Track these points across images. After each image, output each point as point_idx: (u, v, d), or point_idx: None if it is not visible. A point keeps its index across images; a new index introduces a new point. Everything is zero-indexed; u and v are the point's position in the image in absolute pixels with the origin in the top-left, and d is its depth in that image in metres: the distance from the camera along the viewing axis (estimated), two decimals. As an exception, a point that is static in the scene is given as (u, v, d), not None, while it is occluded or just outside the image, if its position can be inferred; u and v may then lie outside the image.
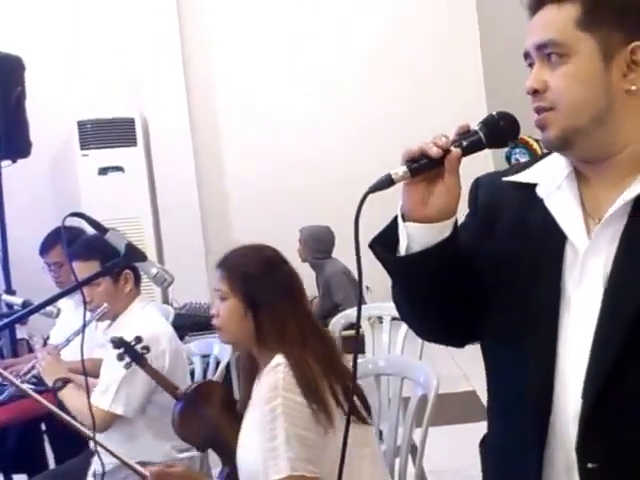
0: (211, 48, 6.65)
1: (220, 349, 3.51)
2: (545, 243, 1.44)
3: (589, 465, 1.36)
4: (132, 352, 2.77)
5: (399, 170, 1.37)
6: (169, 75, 6.43)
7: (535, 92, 1.41)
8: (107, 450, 2.33)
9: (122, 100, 6.41)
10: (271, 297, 2.28)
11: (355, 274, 4.42)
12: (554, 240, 1.44)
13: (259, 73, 6.58)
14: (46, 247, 4.30)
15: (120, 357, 2.75)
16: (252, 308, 2.28)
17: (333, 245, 5.59)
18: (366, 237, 1.40)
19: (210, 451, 3.26)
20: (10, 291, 4.84)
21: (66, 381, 3.06)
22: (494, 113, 1.43)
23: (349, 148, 6.57)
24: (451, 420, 4.69)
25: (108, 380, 3.01)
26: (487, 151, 1.47)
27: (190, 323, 4.79)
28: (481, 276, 1.48)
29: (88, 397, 2.51)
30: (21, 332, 4.53)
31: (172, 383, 2.85)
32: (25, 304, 3.47)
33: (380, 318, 4.01)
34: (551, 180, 1.48)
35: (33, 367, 3.27)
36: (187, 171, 6.43)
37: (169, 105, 6.38)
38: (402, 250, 1.45)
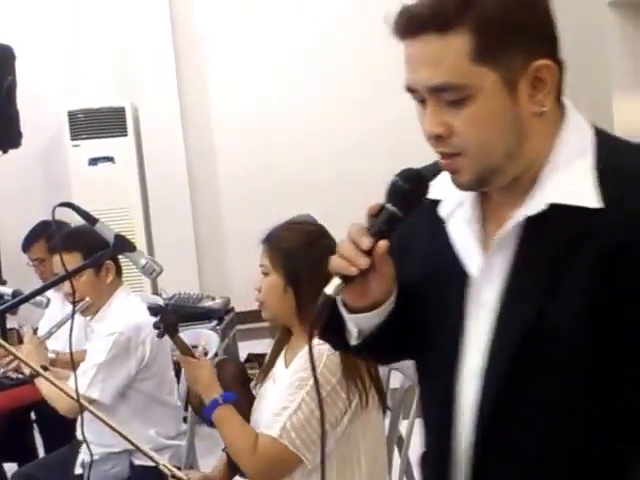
0: (202, 36, 6.58)
1: (208, 340, 3.52)
2: (449, 271, 1.37)
3: None
4: (167, 320, 2.74)
5: (333, 284, 1.31)
6: (160, 63, 6.35)
7: (438, 137, 1.27)
8: (136, 447, 2.39)
9: (112, 89, 6.35)
10: (311, 272, 2.27)
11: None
12: (456, 267, 1.37)
13: (251, 61, 6.53)
14: (27, 243, 4.32)
15: (155, 325, 2.75)
16: (292, 284, 2.31)
17: None
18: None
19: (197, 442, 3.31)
20: (0, 281, 4.84)
21: (44, 369, 3.05)
22: (395, 178, 1.31)
23: (342, 137, 6.56)
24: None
25: (87, 365, 3.05)
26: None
27: (179, 314, 4.75)
28: (410, 310, 1.44)
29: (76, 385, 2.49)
30: (11, 322, 4.51)
31: (196, 356, 2.89)
32: (15, 294, 3.45)
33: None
34: (453, 196, 1.38)
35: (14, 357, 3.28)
36: (178, 161, 6.37)
37: (159, 93, 6.32)
38: (354, 338, 1.44)
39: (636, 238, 1.21)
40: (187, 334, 3.52)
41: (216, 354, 3.50)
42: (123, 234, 2.40)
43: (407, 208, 1.30)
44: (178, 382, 3.41)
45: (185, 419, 3.34)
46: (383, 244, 1.28)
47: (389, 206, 1.30)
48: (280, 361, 2.43)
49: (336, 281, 1.30)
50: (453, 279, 1.36)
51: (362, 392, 2.23)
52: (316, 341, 2.20)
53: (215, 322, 4.81)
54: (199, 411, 2.55)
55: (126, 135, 6.10)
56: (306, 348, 2.20)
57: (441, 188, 1.37)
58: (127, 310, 3.20)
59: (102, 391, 3.03)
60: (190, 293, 5.29)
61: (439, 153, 1.30)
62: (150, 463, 2.96)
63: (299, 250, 2.32)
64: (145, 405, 3.17)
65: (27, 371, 3.13)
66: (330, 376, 2.20)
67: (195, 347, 3.53)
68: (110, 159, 6.05)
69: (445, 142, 1.27)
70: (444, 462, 1.37)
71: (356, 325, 1.41)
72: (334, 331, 1.46)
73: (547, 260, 1.26)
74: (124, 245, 2.35)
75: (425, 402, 1.50)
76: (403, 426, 2.97)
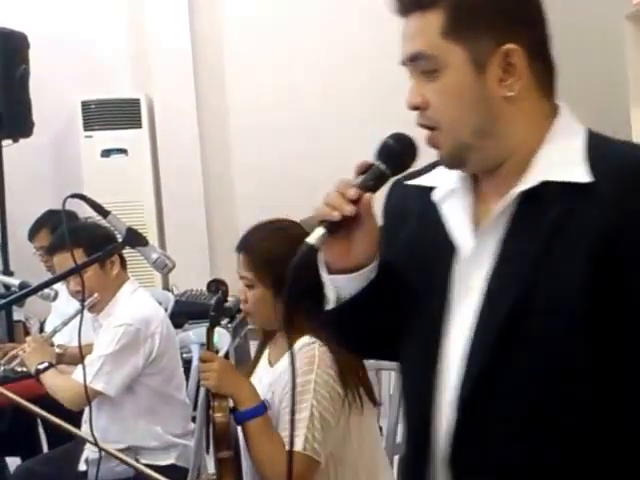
0: (221, 27, 6.60)
1: (219, 338, 3.51)
2: (437, 251, 1.40)
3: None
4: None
5: (316, 234, 1.32)
6: (176, 54, 6.33)
7: (417, 108, 1.36)
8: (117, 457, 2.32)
9: (127, 80, 6.36)
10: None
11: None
12: (446, 248, 1.39)
13: (268, 53, 6.53)
14: (32, 232, 4.35)
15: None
16: (281, 294, 2.27)
17: None
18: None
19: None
20: (8, 272, 4.84)
21: (49, 366, 3.13)
22: (387, 138, 1.39)
23: (356, 135, 6.54)
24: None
25: (93, 356, 3.05)
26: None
27: (190, 311, 4.78)
28: (393, 293, 1.44)
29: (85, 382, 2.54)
30: (18, 314, 4.53)
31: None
32: (22, 286, 3.45)
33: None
34: (446, 183, 1.43)
35: (16, 355, 3.34)
36: (192, 155, 6.36)
37: (175, 85, 6.31)
38: (331, 302, 1.43)
39: (626, 221, 1.24)
40: (198, 332, 3.61)
41: (227, 353, 3.47)
42: (135, 228, 2.37)
43: (395, 168, 1.37)
44: (187, 381, 3.39)
45: (194, 419, 3.32)
46: (368, 196, 1.34)
47: (378, 163, 1.36)
48: (264, 360, 2.42)
49: (319, 231, 1.32)
50: (442, 262, 1.39)
51: (355, 391, 2.21)
52: (307, 340, 2.20)
53: (226, 320, 4.79)
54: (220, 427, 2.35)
55: (140, 127, 6.09)
56: (293, 350, 2.18)
57: (434, 177, 1.46)
58: (136, 304, 3.21)
59: (107, 383, 3.03)
60: (202, 290, 5.20)
61: (419, 125, 1.38)
62: (156, 462, 3.07)
63: (283, 260, 2.26)
64: (152, 401, 3.17)
65: (32, 368, 3.15)
66: (326, 375, 2.18)
67: (203, 345, 3.53)
68: (123, 151, 6.04)
69: (422, 114, 1.36)
70: (423, 442, 1.38)
71: (335, 288, 1.42)
72: (310, 296, 1.43)
73: (538, 237, 1.29)
74: (136, 239, 2.31)
75: (406, 390, 1.50)
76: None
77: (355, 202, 1.32)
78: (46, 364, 3.12)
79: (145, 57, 6.29)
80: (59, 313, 3.78)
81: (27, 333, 4.25)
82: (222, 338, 3.54)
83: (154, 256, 2.31)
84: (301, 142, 6.41)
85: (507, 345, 1.29)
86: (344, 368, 2.20)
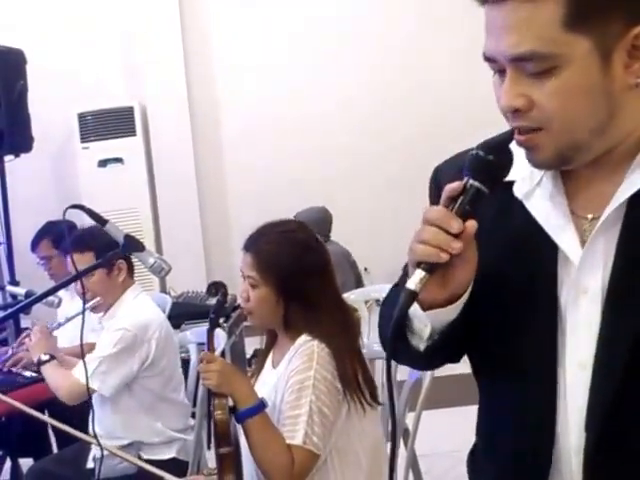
0: (211, 36, 6.63)
1: (215, 337, 3.60)
2: (533, 253, 1.24)
3: None
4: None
5: (416, 278, 1.15)
6: (168, 62, 6.41)
7: (516, 111, 1.15)
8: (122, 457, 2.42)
9: (121, 89, 6.42)
10: (303, 284, 2.27)
11: (354, 257, 4.48)
12: (543, 249, 1.24)
13: (261, 62, 6.58)
14: (34, 243, 4.43)
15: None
16: (284, 297, 2.28)
17: (331, 226, 5.52)
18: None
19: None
20: (14, 282, 4.88)
21: (51, 357, 3.20)
22: (477, 150, 1.17)
23: (347, 131, 6.62)
24: (444, 403, 4.72)
25: (92, 357, 3.12)
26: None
27: (187, 312, 4.80)
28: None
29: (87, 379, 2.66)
30: (25, 321, 4.56)
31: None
32: (28, 294, 3.52)
33: (378, 301, 4.01)
34: (529, 175, 1.26)
35: (21, 358, 3.45)
36: (186, 160, 6.43)
37: (168, 93, 6.37)
38: (426, 339, 1.27)
39: None
40: (195, 331, 3.66)
41: (223, 350, 3.54)
42: (132, 234, 2.41)
43: (492, 182, 1.17)
44: (186, 379, 3.46)
45: (193, 414, 3.37)
46: (472, 225, 1.15)
47: (474, 182, 1.16)
48: (268, 362, 2.44)
49: (419, 273, 1.15)
50: (540, 261, 1.24)
51: (355, 386, 2.24)
52: (305, 338, 2.24)
53: (222, 319, 4.85)
54: (221, 426, 2.29)
55: (135, 135, 6.16)
56: (291, 350, 2.24)
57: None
58: (136, 309, 3.28)
59: (102, 382, 3.10)
60: (198, 291, 5.28)
61: (516, 128, 1.17)
62: (158, 457, 3.12)
63: (291, 264, 2.28)
64: (151, 401, 3.24)
65: (35, 357, 3.24)
66: (324, 371, 2.21)
67: (202, 344, 3.60)
68: (119, 160, 6.10)
69: (524, 116, 1.16)
70: (544, 460, 1.26)
71: (431, 323, 1.25)
72: (401, 330, 1.26)
73: None
74: (133, 245, 2.36)
75: (504, 394, 1.34)
76: (409, 418, 3.02)
77: (458, 235, 1.15)
78: (48, 356, 3.20)
79: (137, 66, 6.35)
80: (63, 317, 3.76)
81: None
82: (218, 336, 3.62)
83: (151, 261, 2.36)
84: (294, 148, 6.48)
85: (637, 364, 1.17)
86: (342, 365, 2.22)
